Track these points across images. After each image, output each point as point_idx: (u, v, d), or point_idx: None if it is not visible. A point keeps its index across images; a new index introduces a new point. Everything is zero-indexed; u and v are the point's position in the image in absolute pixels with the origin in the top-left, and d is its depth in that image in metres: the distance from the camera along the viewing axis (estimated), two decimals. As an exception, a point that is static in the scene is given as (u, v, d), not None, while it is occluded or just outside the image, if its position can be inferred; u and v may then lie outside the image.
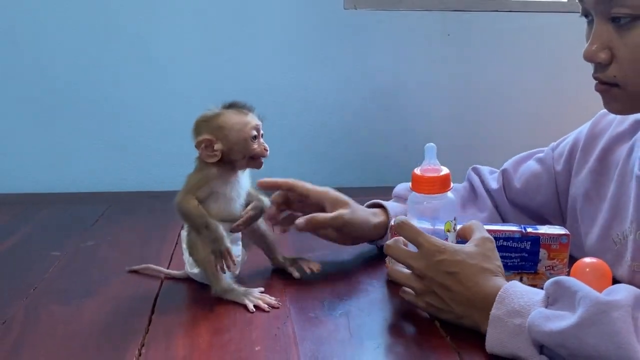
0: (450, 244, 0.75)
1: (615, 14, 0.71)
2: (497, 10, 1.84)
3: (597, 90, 0.78)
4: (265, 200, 0.87)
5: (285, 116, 1.76)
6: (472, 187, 1.08)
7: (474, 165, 1.11)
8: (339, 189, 1.75)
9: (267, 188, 0.93)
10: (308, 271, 0.91)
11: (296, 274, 0.90)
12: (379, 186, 1.74)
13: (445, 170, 0.78)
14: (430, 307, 0.75)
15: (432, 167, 0.78)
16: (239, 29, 1.73)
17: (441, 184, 0.77)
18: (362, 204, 1.02)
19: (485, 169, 1.09)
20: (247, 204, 0.86)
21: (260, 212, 0.86)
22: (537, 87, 1.90)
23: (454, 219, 0.79)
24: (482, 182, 1.07)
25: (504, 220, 1.04)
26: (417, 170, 0.78)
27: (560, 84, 1.89)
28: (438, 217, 0.78)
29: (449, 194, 0.79)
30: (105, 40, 1.68)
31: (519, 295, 0.67)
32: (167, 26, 1.71)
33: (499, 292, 0.68)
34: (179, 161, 1.73)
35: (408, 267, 0.76)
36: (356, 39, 1.79)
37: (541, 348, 0.63)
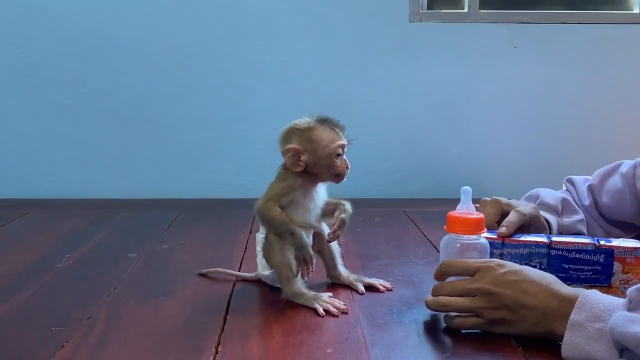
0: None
1: None
2: (564, 22, 1.81)
3: None
4: (348, 204, 0.88)
5: (347, 127, 1.78)
6: (569, 198, 1.05)
7: (568, 177, 1.09)
8: (397, 200, 1.74)
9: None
10: (383, 289, 0.91)
11: (361, 289, 0.90)
12: (438, 198, 1.73)
13: (479, 215, 0.79)
14: (500, 323, 0.72)
15: (467, 210, 0.79)
16: (305, 42, 1.78)
17: (475, 226, 0.78)
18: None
19: (579, 180, 1.07)
20: (324, 212, 0.88)
21: (348, 215, 0.87)
22: (609, 100, 1.85)
23: None
24: (577, 196, 1.05)
25: (598, 232, 1.02)
26: (453, 213, 0.80)
27: (636, 98, 1.85)
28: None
29: (482, 239, 0.79)
30: (175, 55, 1.76)
31: (599, 300, 0.67)
32: (237, 41, 1.77)
33: (579, 299, 0.67)
34: (244, 169, 1.80)
35: (471, 291, 0.73)
36: (421, 52, 1.80)
37: (621, 352, 0.62)
